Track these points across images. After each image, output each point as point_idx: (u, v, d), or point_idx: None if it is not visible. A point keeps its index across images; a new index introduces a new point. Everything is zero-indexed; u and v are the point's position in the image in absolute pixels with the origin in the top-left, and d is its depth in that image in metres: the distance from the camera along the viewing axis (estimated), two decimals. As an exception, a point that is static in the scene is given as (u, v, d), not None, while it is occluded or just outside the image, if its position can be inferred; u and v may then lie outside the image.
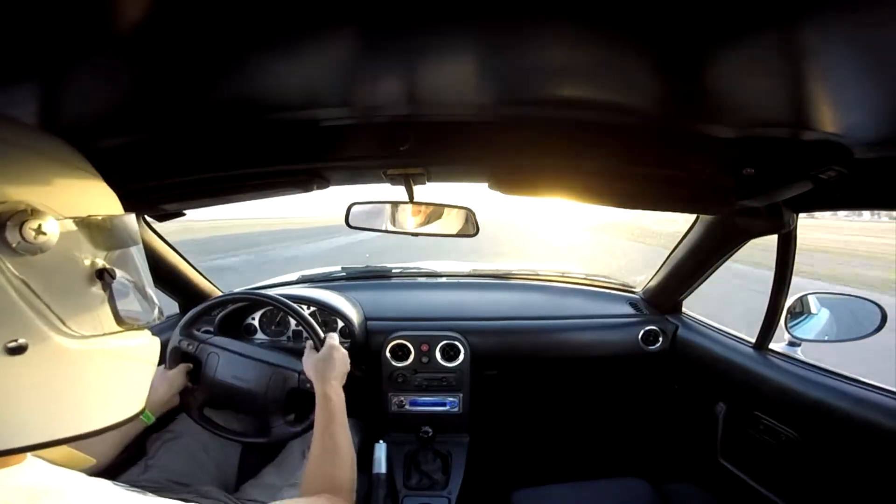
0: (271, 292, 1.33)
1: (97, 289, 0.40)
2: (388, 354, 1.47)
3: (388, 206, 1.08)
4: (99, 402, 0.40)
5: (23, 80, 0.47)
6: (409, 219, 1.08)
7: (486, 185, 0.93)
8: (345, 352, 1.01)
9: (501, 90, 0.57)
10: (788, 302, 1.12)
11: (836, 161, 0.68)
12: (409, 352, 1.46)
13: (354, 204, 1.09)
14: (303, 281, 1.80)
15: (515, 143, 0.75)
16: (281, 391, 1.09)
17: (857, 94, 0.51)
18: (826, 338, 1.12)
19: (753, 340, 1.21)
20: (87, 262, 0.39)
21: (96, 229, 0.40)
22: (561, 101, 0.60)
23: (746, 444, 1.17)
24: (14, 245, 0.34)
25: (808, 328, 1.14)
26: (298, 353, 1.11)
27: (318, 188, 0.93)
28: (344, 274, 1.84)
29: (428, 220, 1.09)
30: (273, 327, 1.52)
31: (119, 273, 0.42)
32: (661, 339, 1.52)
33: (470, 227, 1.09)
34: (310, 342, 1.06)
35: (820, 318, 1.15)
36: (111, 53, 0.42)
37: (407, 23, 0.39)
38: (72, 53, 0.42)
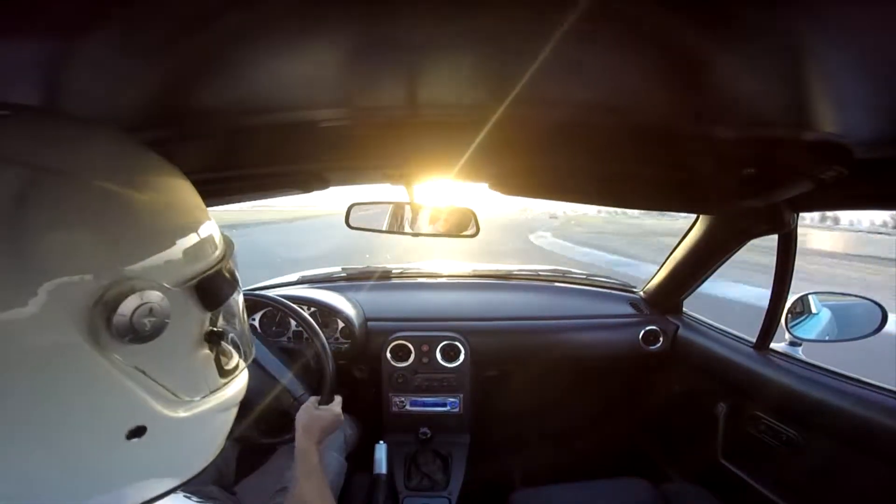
0: (270, 293, 1.33)
1: (205, 350, 0.38)
2: (388, 355, 1.46)
3: (389, 207, 1.08)
4: (203, 449, 0.41)
5: (22, 79, 0.47)
6: (409, 220, 1.08)
7: (486, 185, 0.93)
8: (342, 419, 0.98)
9: (501, 91, 0.57)
10: (789, 302, 1.12)
11: (837, 161, 0.68)
12: (410, 352, 1.46)
13: (354, 205, 1.09)
14: (303, 281, 1.79)
15: (515, 144, 0.75)
16: (270, 406, 1.07)
17: (858, 94, 0.51)
18: (827, 338, 1.12)
19: (754, 340, 1.21)
20: (197, 329, 0.37)
21: (204, 290, 0.36)
22: (560, 102, 0.60)
23: (747, 445, 1.17)
24: (125, 339, 0.30)
25: (809, 328, 1.14)
26: (298, 363, 1.08)
27: (318, 189, 0.93)
28: (344, 274, 1.84)
29: (428, 221, 1.09)
30: (273, 328, 1.52)
31: (226, 327, 0.39)
32: (661, 339, 1.51)
33: (470, 228, 1.09)
34: (313, 398, 1.01)
35: (821, 318, 1.15)
36: (108, 54, 0.42)
37: (405, 23, 0.39)
38: (70, 53, 0.42)
